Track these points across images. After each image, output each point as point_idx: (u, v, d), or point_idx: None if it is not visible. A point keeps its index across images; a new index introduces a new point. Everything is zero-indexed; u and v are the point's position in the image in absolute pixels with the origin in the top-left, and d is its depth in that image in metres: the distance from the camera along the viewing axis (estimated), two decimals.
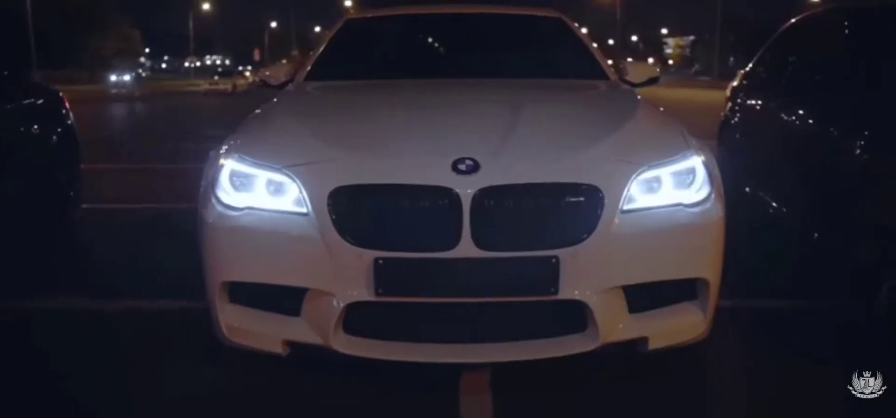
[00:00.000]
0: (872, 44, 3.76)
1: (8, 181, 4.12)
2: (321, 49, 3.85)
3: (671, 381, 2.51)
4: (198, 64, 76.12)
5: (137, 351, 2.84)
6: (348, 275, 2.19)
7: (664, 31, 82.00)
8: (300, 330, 2.31)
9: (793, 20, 5.09)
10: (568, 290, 2.19)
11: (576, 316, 2.25)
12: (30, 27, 46.56)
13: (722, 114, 5.73)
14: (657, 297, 2.35)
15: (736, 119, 5.36)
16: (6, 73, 4.74)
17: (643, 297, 2.32)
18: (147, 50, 72.94)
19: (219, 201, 2.39)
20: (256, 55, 62.62)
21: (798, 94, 4.20)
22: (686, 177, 2.40)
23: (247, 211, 2.35)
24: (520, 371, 2.34)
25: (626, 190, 2.25)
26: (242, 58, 73.55)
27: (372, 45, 3.95)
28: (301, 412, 2.33)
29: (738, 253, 4.18)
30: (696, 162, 2.44)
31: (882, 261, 2.88)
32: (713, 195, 2.42)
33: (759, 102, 4.93)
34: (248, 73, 43.81)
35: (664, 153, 2.41)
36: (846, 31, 4.08)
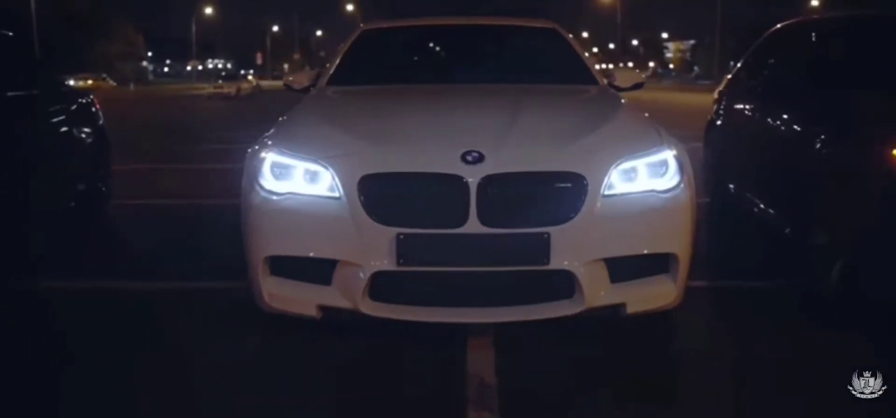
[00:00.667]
0: (832, 53, 4.20)
1: (54, 176, 4.56)
2: (340, 57, 4.29)
3: (656, 340, 2.95)
4: (199, 68, 76.64)
5: (174, 324, 3.29)
6: (374, 249, 2.63)
7: (665, 35, 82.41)
8: (332, 296, 2.74)
9: (771, 29, 5.53)
10: (557, 261, 2.63)
11: (564, 283, 2.69)
12: (34, 31, 47.14)
13: (709, 116, 6.17)
14: (634, 269, 2.78)
15: (720, 121, 5.79)
16: (50, 77, 5.19)
17: (622, 269, 2.75)
18: (149, 53, 73.44)
19: (262, 188, 2.83)
20: (259, 59, 63.31)
21: (770, 98, 4.64)
22: (660, 168, 2.84)
23: (287, 195, 2.79)
24: (518, 330, 2.79)
25: (606, 177, 2.69)
26: (244, 61, 74.11)
27: (385, 53, 4.40)
28: (331, 369, 2.76)
29: (721, 242, 4.66)
30: (668, 155, 2.88)
31: (833, 245, 3.32)
32: (683, 183, 2.85)
33: (740, 105, 5.35)
34: (251, 77, 44.25)
35: (640, 147, 2.85)
36: (811, 42, 4.52)
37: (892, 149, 2.94)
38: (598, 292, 2.71)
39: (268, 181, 2.84)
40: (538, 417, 2.38)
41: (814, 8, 59.61)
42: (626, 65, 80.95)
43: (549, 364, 2.76)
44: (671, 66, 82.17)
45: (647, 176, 2.80)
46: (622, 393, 2.55)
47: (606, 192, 2.68)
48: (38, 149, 4.41)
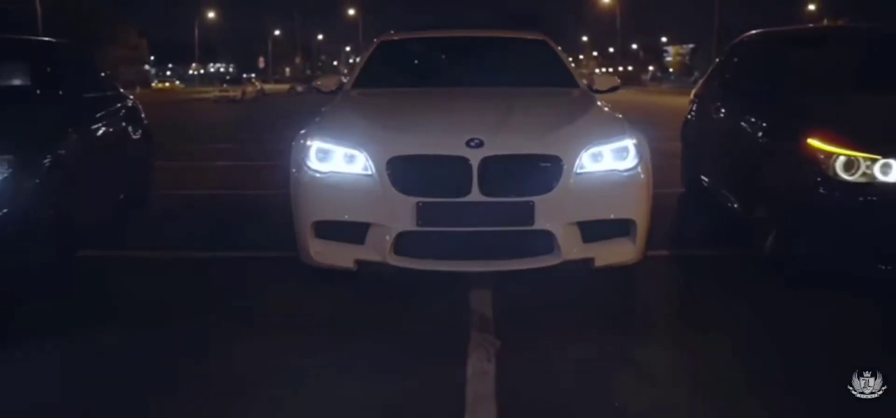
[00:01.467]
0: (778, 61, 5.02)
1: (116, 167, 5.36)
2: (362, 65, 5.10)
3: (625, 288, 3.75)
4: (201, 71, 77.53)
5: (234, 279, 4.11)
6: (398, 214, 3.42)
7: (664, 39, 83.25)
8: (365, 252, 3.54)
9: (736, 40, 6.33)
10: (540, 223, 3.43)
11: (545, 241, 3.48)
12: (40, 35, 47.82)
13: (685, 116, 6.97)
14: (601, 231, 3.57)
15: (693, 120, 6.60)
16: (111, 82, 6.00)
17: (591, 231, 3.54)
18: (152, 57, 74.31)
19: (309, 168, 3.63)
20: (261, 63, 64.17)
21: (730, 99, 5.45)
22: (622, 153, 3.63)
23: (329, 174, 3.59)
24: (510, 278, 3.59)
25: (578, 159, 3.48)
26: (245, 65, 74.88)
27: (400, 60, 5.21)
28: (362, 306, 3.56)
29: (690, 223, 5.46)
30: (629, 142, 3.67)
31: (768, 218, 4.12)
32: (641, 165, 3.64)
33: (708, 106, 6.15)
34: (255, 81, 45.09)
35: (606, 136, 3.65)
36: (763, 51, 5.34)
37: (806, 139, 3.74)
38: (571, 248, 3.50)
39: (313, 163, 3.64)
40: (529, 339, 3.17)
41: (810, 12, 60.67)
42: (626, 68, 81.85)
43: (535, 304, 3.55)
44: (671, 69, 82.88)
45: (611, 158, 3.60)
46: (590, 325, 3.35)
47: (578, 171, 3.48)
48: (109, 141, 5.21)
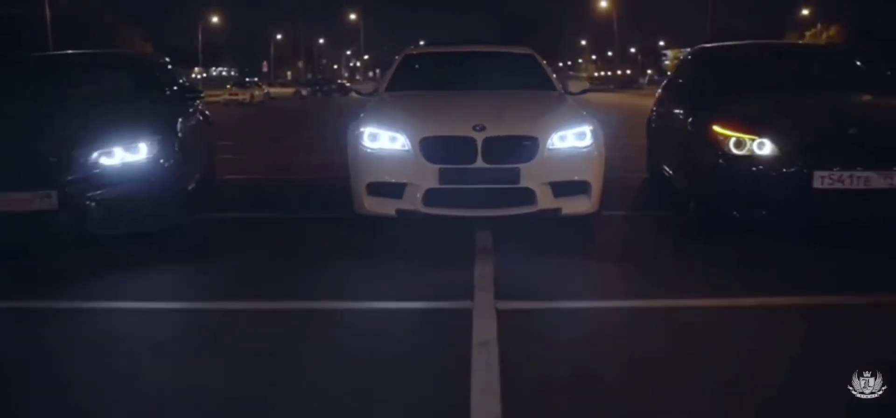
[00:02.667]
0: (711, 69, 6.69)
1: (198, 151, 6.99)
2: (391, 73, 6.75)
3: (585, 231, 5.39)
4: (204, 75, 79.10)
5: (303, 229, 5.76)
6: (427, 176, 5.06)
7: (662, 43, 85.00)
8: (403, 204, 5.16)
9: (689, 50, 7.98)
10: (524, 183, 5.05)
11: (528, 195, 5.10)
12: (50, 39, 49.63)
13: (648, 115, 8.61)
14: (567, 189, 5.19)
15: (653, 117, 8.25)
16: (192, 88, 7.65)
17: (560, 189, 5.16)
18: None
19: (363, 146, 5.27)
20: (264, 66, 65.96)
21: (677, 99, 7.11)
22: (582, 135, 5.26)
23: (377, 149, 5.23)
24: (502, 222, 5.23)
25: (550, 139, 5.12)
26: (248, 68, 76.54)
27: (421, 70, 6.87)
28: (399, 240, 5.20)
29: (645, 197, 7.09)
30: (587, 128, 5.30)
31: (691, 190, 5.76)
32: (594, 144, 5.27)
33: (665, 106, 7.80)
34: (262, 85, 46.78)
35: (571, 124, 5.29)
36: (701, 61, 7.02)
37: (712, 127, 5.39)
38: (546, 200, 5.13)
39: (366, 142, 5.28)
40: (516, 258, 4.79)
41: (804, 17, 62.47)
42: (624, 72, 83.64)
43: (521, 240, 5.19)
44: (669, 72, 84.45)
45: (574, 139, 5.24)
46: (558, 248, 4.99)
47: (550, 147, 5.12)
48: (195, 130, 6.84)
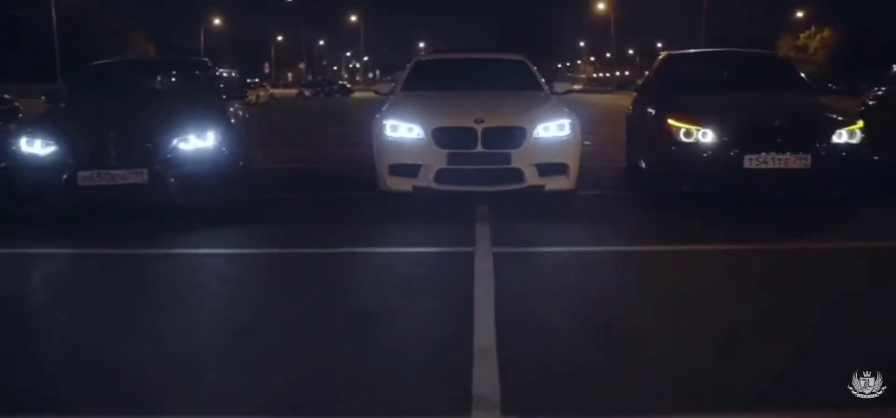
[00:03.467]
0: (671, 73, 8.05)
1: (241, 139, 8.31)
2: (405, 76, 8.09)
3: (564, 203, 6.73)
4: None
5: (336, 205, 7.11)
6: (437, 159, 6.39)
7: (659, 44, 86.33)
8: (418, 181, 6.49)
9: (660, 56, 9.33)
10: (515, 164, 6.38)
11: (518, 174, 6.43)
12: (56, 43, 51.00)
13: (626, 112, 9.96)
14: (549, 170, 6.52)
15: (630, 114, 9.60)
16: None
17: (544, 169, 6.49)
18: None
19: (386, 134, 6.61)
20: (266, 68, 67.32)
21: (647, 97, 8.46)
22: (562, 126, 6.60)
23: (397, 137, 6.57)
24: (497, 196, 6.57)
25: (535, 129, 6.46)
26: (249, 70, 77.82)
27: (430, 73, 8.21)
28: (413, 209, 6.53)
29: (620, 181, 8.45)
30: (566, 121, 6.64)
31: (651, 170, 7.11)
32: (572, 133, 6.60)
33: (639, 105, 9.14)
34: (267, 87, 48.08)
35: (553, 117, 6.63)
36: (668, 64, 8.37)
37: (667, 120, 6.75)
38: (532, 179, 6.46)
39: (388, 132, 6.62)
40: (508, 221, 6.12)
41: (798, 19, 63.93)
42: (622, 73, 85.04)
43: (513, 212, 6.53)
44: None
45: (555, 129, 6.57)
46: (542, 217, 6.33)
47: (536, 136, 6.45)
48: (239, 122, 8.16)
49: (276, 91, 50.54)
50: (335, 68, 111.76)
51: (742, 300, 4.23)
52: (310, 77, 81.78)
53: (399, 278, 4.70)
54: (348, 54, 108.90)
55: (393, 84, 8.31)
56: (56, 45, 51.29)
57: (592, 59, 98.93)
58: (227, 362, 3.40)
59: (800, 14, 63.25)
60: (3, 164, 7.33)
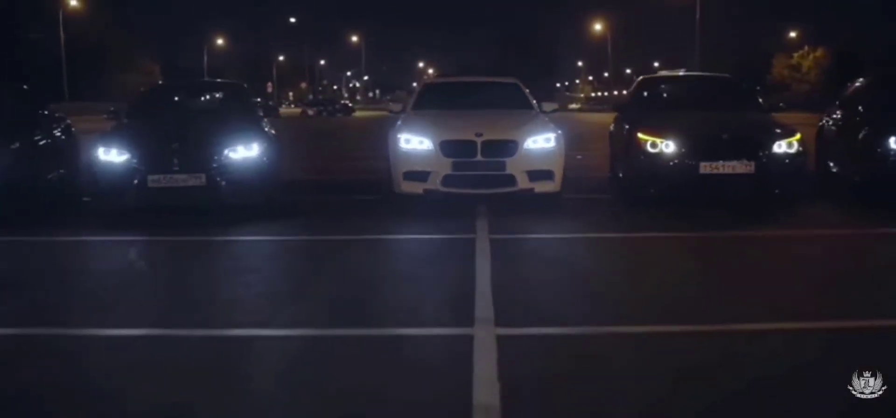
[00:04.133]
0: (644, 93, 9.41)
1: (274, 157, 9.64)
2: (415, 96, 9.45)
3: (551, 203, 8.04)
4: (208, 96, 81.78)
5: (358, 206, 8.45)
6: (444, 166, 7.71)
7: (657, 64, 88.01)
8: (427, 185, 7.80)
9: (637, 80, 10.69)
10: (509, 171, 7.71)
11: (511, 179, 7.76)
12: (64, 63, 52.52)
13: (609, 129, 11.30)
14: (538, 176, 7.84)
15: (612, 130, 10.93)
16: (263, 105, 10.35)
17: (534, 175, 7.80)
18: (159, 82, 78.69)
19: (400, 146, 7.93)
20: (268, 87, 68.98)
21: (625, 115, 9.80)
22: (548, 139, 7.92)
23: (410, 148, 7.90)
24: (494, 198, 7.89)
25: (526, 142, 7.79)
26: (251, 89, 79.41)
27: (437, 94, 9.57)
28: (425, 208, 7.84)
29: (600, 187, 9.80)
30: (552, 134, 7.98)
31: (625, 176, 8.45)
32: (557, 145, 7.92)
33: (619, 121, 10.47)
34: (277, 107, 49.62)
35: (541, 131, 7.96)
36: (643, 86, 9.74)
37: (637, 134, 8.09)
38: (524, 183, 7.78)
39: (402, 144, 7.95)
40: (504, 218, 7.42)
41: (792, 39, 65.62)
42: (620, 92, 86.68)
43: (507, 210, 7.83)
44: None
45: (543, 141, 7.90)
46: (531, 214, 7.65)
47: (526, 147, 7.77)
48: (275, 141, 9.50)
49: (282, 110, 52.03)
50: (335, 87, 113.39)
51: (685, 266, 5.56)
52: (311, 96, 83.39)
53: (417, 253, 6.04)
54: (349, 74, 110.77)
55: (403, 104, 9.67)
56: (63, 65, 52.82)
57: (590, 78, 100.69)
58: (281, 309, 4.71)
59: (793, 34, 64.88)
60: (61, 171, 8.71)
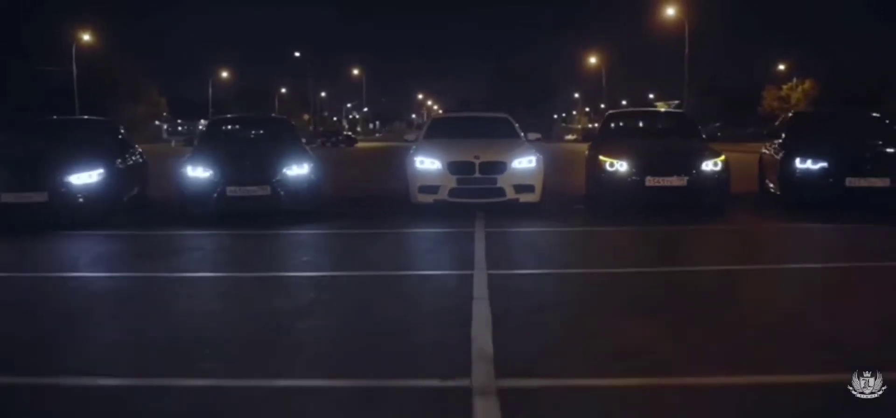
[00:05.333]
0: (609, 124, 12.03)
1: (320, 174, 12.20)
2: (426, 128, 12.06)
3: (533, 210, 10.58)
4: None
5: (380, 205, 11.02)
6: (450, 181, 10.27)
7: (652, 95, 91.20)
8: (438, 196, 10.36)
9: (606, 113, 13.30)
10: (500, 185, 10.28)
11: (502, 192, 10.31)
12: (75, 97, 55.19)
13: (584, 155, 13.88)
14: (522, 189, 10.40)
15: (587, 155, 13.51)
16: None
17: (519, 188, 10.36)
18: (164, 113, 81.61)
19: (416, 165, 10.52)
20: None
21: (595, 143, 12.38)
22: (531, 160, 10.51)
23: (424, 168, 10.48)
24: (489, 205, 10.44)
25: (513, 163, 10.36)
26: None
27: (444, 126, 12.19)
28: (435, 212, 10.38)
29: (575, 201, 12.40)
30: (534, 157, 10.56)
31: (591, 191, 11.02)
32: (538, 165, 10.51)
33: (592, 149, 13.04)
34: None
35: (525, 155, 10.55)
36: (609, 118, 12.36)
37: (599, 156, 10.67)
38: (511, 194, 10.32)
39: (417, 164, 10.53)
40: (498, 220, 9.93)
41: (781, 72, 68.70)
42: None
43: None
44: None
45: (526, 162, 10.48)
46: (517, 219, 10.18)
47: (513, 167, 10.34)
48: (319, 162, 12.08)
49: None
50: (334, 119, 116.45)
51: (625, 243, 8.08)
52: (311, 128, 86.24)
53: (430, 242, 8.54)
54: (349, 105, 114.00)
55: (416, 134, 12.25)
56: (75, 96, 55.50)
57: (587, 109, 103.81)
58: (340, 268, 7.22)
59: (782, 67, 67.95)
60: (137, 189, 11.26)
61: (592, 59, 73.27)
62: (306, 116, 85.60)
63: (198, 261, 7.82)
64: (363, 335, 4.92)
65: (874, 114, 13.08)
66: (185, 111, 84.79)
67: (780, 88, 67.74)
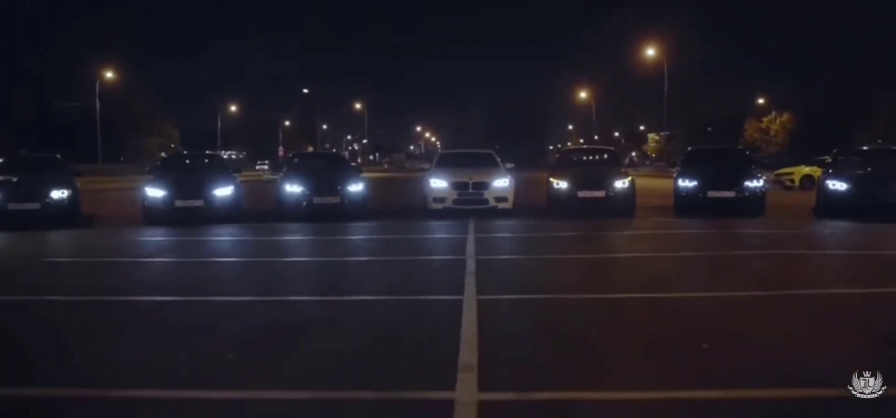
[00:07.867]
0: (563, 157, 18.48)
1: (369, 189, 18.53)
2: (435, 160, 18.58)
3: (508, 214, 16.88)
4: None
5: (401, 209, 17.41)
6: (453, 194, 16.71)
7: (643, 127, 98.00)
8: (445, 204, 16.77)
9: (561, 149, 19.71)
10: (485, 197, 16.71)
11: (487, 201, 16.72)
12: (98, 131, 61.33)
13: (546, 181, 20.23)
14: (500, 200, 16.82)
15: (550, 180, 19.84)
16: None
17: (498, 198, 16.79)
18: (172, 145, 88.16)
19: (430, 184, 16.99)
20: (281, 152, 78.58)
21: (554, 171, 18.75)
22: (506, 180, 16.95)
23: (436, 185, 16.90)
24: (478, 211, 16.77)
25: (494, 182, 16.80)
26: (260, 151, 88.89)
27: (448, 159, 18.70)
28: (445, 215, 16.68)
29: (542, 215, 18.81)
30: (508, 179, 17.01)
31: (546, 204, 17.42)
32: (510, 183, 16.94)
33: (551, 176, 19.37)
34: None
35: (502, 177, 17.03)
36: (564, 153, 18.78)
37: (550, 179, 17.08)
38: (493, 203, 16.71)
39: (431, 182, 16.98)
40: (485, 221, 16.19)
41: (761, 105, 75.40)
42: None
43: (486, 221, 16.64)
44: (652, 154, 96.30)
45: (503, 182, 16.92)
46: (498, 217, 16.48)
47: (494, 185, 16.77)
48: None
49: None
50: (334, 150, 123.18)
51: (564, 237, 14.38)
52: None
53: (442, 232, 14.86)
54: (349, 137, 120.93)
55: (429, 164, 18.69)
56: (98, 130, 61.75)
57: (581, 141, 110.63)
58: (392, 251, 13.51)
59: (761, 100, 74.68)
60: (239, 205, 17.69)
61: (583, 94, 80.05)
62: (310, 148, 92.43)
63: (311, 230, 14.12)
64: (395, 277, 11.22)
65: (738, 148, 19.50)
66: (194, 142, 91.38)
67: (761, 120, 74.38)
